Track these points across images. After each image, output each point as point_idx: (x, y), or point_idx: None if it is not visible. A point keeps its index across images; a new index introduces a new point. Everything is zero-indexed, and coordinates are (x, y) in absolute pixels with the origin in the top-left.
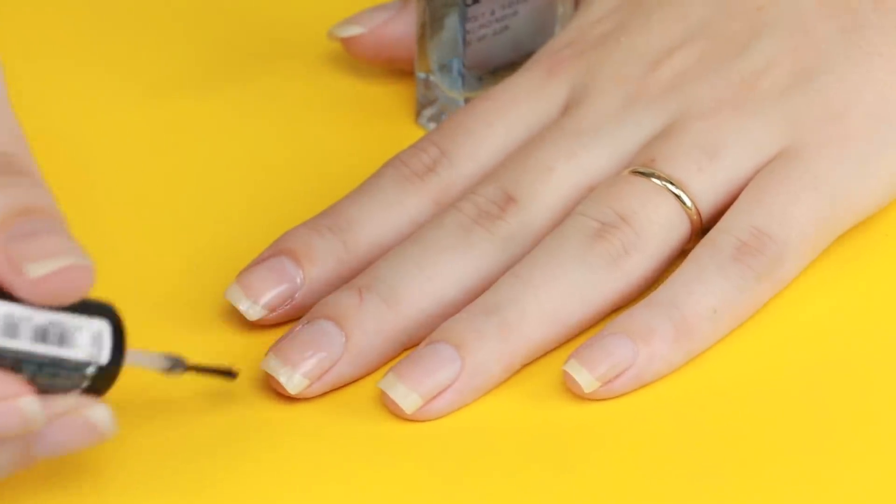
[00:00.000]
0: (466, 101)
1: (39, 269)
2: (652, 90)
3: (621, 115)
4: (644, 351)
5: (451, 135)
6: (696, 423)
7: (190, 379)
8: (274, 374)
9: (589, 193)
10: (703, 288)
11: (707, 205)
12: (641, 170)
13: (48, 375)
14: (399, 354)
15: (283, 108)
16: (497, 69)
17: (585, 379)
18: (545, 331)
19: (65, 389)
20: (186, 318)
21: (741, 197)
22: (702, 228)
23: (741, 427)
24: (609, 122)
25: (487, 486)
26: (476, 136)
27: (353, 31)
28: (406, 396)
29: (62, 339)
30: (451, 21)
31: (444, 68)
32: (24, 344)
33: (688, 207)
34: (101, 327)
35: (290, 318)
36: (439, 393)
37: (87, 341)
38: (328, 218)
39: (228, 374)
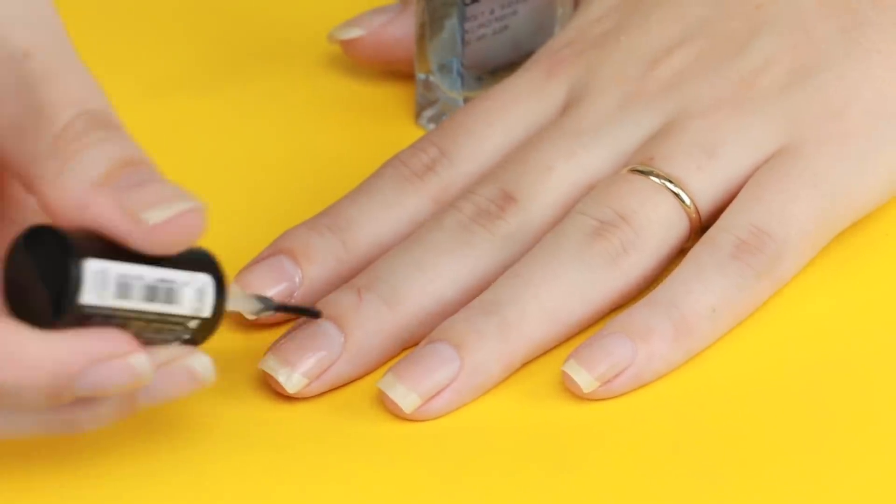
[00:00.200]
0: (466, 101)
1: (157, 215)
2: (651, 89)
3: (620, 115)
4: (643, 350)
5: (450, 135)
6: (696, 422)
7: None
8: (273, 374)
9: (588, 192)
10: (702, 287)
11: (706, 203)
12: (640, 168)
13: (154, 330)
14: (399, 354)
15: (284, 109)
16: (497, 69)
17: (584, 379)
18: (545, 330)
19: (166, 341)
20: None
21: (740, 195)
22: (701, 227)
23: (740, 426)
24: (608, 121)
25: (486, 486)
26: (475, 136)
27: (353, 33)
28: (405, 396)
29: (169, 296)
30: (451, 21)
31: (444, 69)
32: (135, 303)
33: (687, 206)
34: (205, 282)
35: (288, 317)
36: (438, 392)
37: (193, 296)
38: (327, 217)
39: (313, 313)
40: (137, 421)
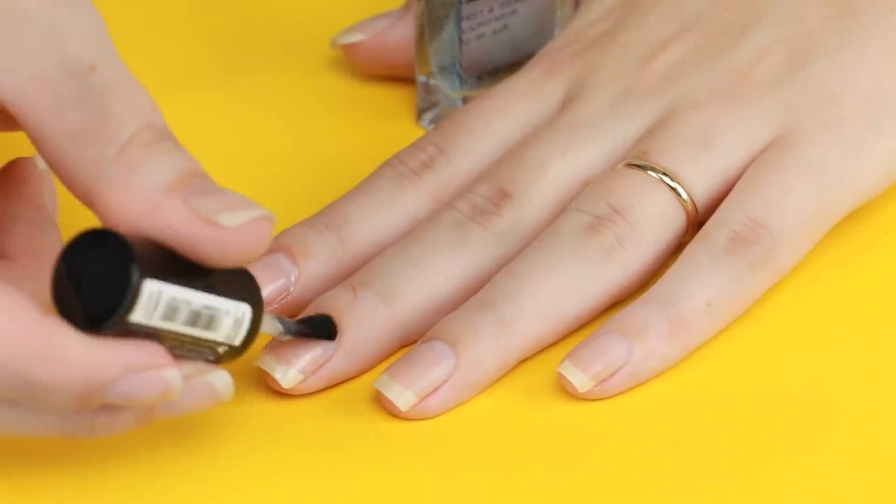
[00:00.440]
0: (466, 101)
1: (233, 219)
2: (646, 84)
3: (615, 110)
4: (639, 348)
5: (449, 134)
6: (693, 420)
7: None
8: (269, 371)
9: (584, 188)
10: (698, 282)
11: (703, 196)
12: (636, 162)
13: (184, 349)
14: (396, 352)
15: (287, 111)
16: (497, 70)
17: (580, 379)
18: (541, 327)
19: (191, 359)
20: None
21: (736, 188)
22: (698, 221)
23: (739, 425)
24: (603, 117)
25: (483, 485)
26: (474, 135)
27: (354, 38)
28: (400, 394)
29: (209, 323)
30: (450, 22)
31: (444, 70)
32: (177, 326)
33: (683, 199)
34: (244, 312)
35: (286, 314)
36: (434, 390)
37: (230, 325)
38: (325, 216)
39: (329, 334)
40: None
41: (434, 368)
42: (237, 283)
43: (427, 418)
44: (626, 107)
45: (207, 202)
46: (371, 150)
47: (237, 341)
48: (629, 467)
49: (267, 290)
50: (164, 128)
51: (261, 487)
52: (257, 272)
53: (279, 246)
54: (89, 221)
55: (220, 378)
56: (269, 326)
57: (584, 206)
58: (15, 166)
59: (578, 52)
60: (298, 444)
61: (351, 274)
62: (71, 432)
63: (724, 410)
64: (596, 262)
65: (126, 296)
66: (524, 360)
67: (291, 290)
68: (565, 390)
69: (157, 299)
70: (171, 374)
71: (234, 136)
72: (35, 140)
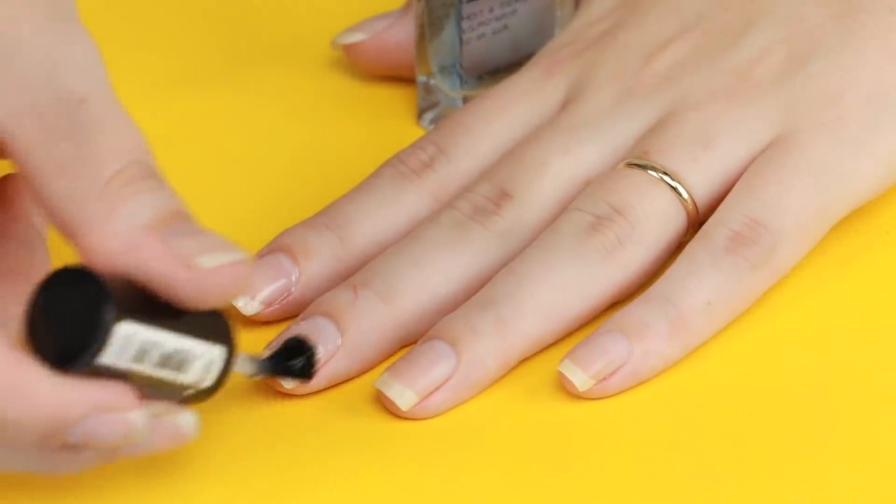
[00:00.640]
0: (466, 101)
1: (210, 261)
2: (646, 83)
3: (616, 110)
4: (639, 347)
5: (449, 133)
6: (693, 420)
7: None
8: None
9: (585, 188)
10: (698, 281)
11: (703, 195)
12: (636, 162)
13: (151, 389)
14: (397, 352)
15: (287, 110)
16: (497, 69)
17: (580, 378)
18: (542, 326)
19: (158, 399)
20: None
21: (735, 187)
22: (699, 220)
23: (739, 424)
24: (604, 116)
25: (483, 485)
26: (474, 134)
27: (355, 37)
28: (401, 393)
29: (180, 366)
30: (450, 22)
31: (445, 70)
32: (146, 368)
33: (684, 199)
34: (217, 356)
35: (287, 314)
36: (435, 390)
37: (201, 368)
38: (325, 216)
39: (306, 375)
40: None
41: (435, 368)
42: (212, 325)
43: (427, 418)
44: (626, 106)
45: (186, 243)
46: (371, 150)
47: (206, 384)
48: (629, 467)
49: (268, 291)
50: (150, 164)
51: (261, 487)
52: (258, 272)
53: (280, 246)
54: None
55: (186, 419)
56: (242, 367)
57: (584, 206)
58: (5, 183)
59: (579, 51)
60: (299, 443)
61: (351, 274)
62: (33, 468)
63: (724, 410)
64: (596, 262)
65: (98, 337)
66: (524, 360)
67: (292, 290)
68: (565, 390)
69: (128, 342)
70: (136, 416)
71: (235, 135)
72: (21, 171)
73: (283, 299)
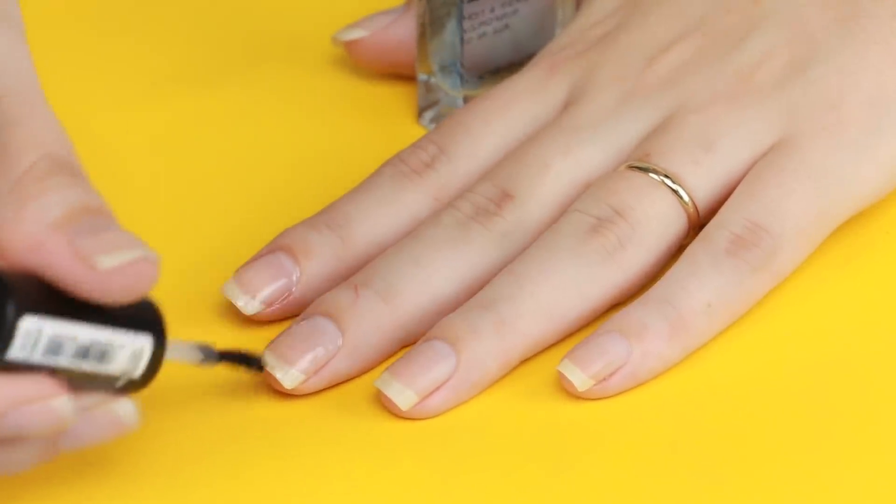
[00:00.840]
0: (467, 100)
1: (110, 260)
2: (648, 85)
3: (618, 111)
4: (638, 348)
5: (450, 133)
6: (693, 420)
7: (185, 375)
8: (270, 371)
9: (586, 189)
10: (698, 283)
11: (704, 198)
12: (637, 164)
13: (80, 382)
14: (397, 352)
15: (287, 109)
16: (498, 69)
17: (579, 378)
18: (541, 327)
19: (92, 391)
20: (185, 313)
21: (737, 191)
22: (699, 223)
23: (738, 425)
24: (605, 118)
25: (483, 485)
26: (475, 134)
27: (355, 34)
28: (401, 393)
29: (102, 357)
30: (451, 21)
31: (445, 69)
32: (64, 361)
33: (684, 201)
34: (143, 344)
35: (288, 314)
36: (435, 390)
37: (127, 358)
38: (326, 215)
39: (257, 364)
40: None
41: (435, 367)
42: (137, 314)
43: (427, 418)
44: (628, 108)
45: (90, 242)
46: (371, 149)
47: (136, 374)
48: (629, 467)
49: (268, 290)
50: (65, 159)
51: (261, 487)
52: (258, 271)
53: (280, 245)
54: None
55: (124, 407)
56: (186, 354)
57: (585, 207)
58: None
59: (580, 52)
60: (299, 443)
61: (352, 273)
62: None
63: (724, 410)
64: (597, 263)
65: (1, 334)
66: (524, 360)
67: (293, 289)
68: (565, 390)
69: (36, 336)
70: (60, 403)
71: (235, 134)
72: None
73: (283, 299)
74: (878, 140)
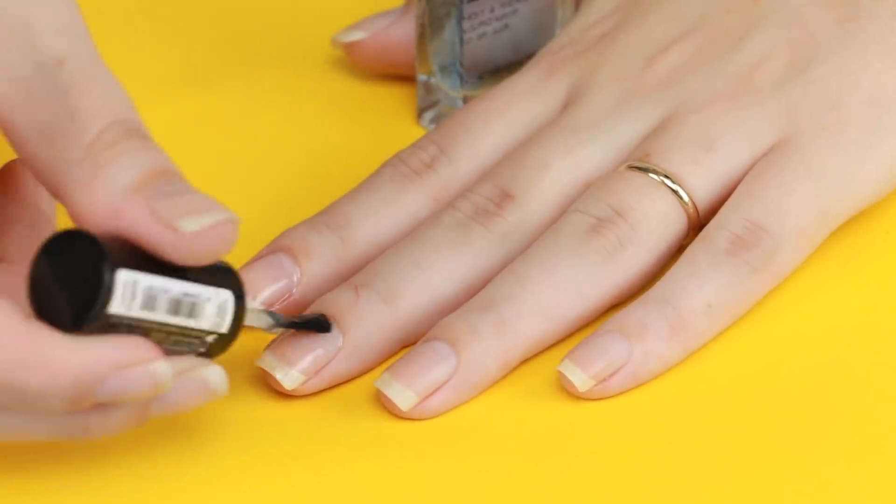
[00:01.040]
0: (466, 100)
1: (192, 224)
2: (648, 85)
3: (617, 111)
4: (638, 348)
5: (450, 133)
6: (693, 421)
7: None
8: (270, 371)
9: (586, 189)
10: (698, 283)
11: (704, 198)
12: (637, 164)
13: (172, 342)
14: (397, 352)
15: (287, 110)
16: (497, 69)
17: (579, 378)
18: (542, 327)
19: (181, 353)
20: None
21: (737, 191)
22: (699, 223)
23: (738, 425)
24: (605, 118)
25: (483, 485)
26: (475, 135)
27: (355, 36)
28: (401, 393)
29: (192, 311)
30: (451, 21)
31: (445, 69)
32: (159, 315)
33: (684, 202)
34: (227, 298)
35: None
36: (435, 390)
37: (214, 312)
38: (326, 216)
39: (323, 326)
40: None
41: (435, 368)
42: (216, 273)
43: (428, 418)
44: (627, 108)
45: (169, 205)
46: (371, 149)
47: (224, 328)
48: (629, 467)
49: (269, 291)
50: (134, 123)
51: (261, 487)
52: (259, 272)
53: (281, 246)
54: None
55: (214, 373)
56: (258, 318)
57: (585, 208)
58: (12, 168)
59: (580, 52)
60: (299, 443)
61: (352, 274)
62: (66, 435)
63: (724, 411)
64: (597, 263)
65: (101, 288)
66: (524, 360)
67: (294, 290)
68: (565, 390)
69: (133, 288)
70: (159, 367)
71: (234, 134)
72: (8, 137)
73: (284, 300)
74: (878, 140)
